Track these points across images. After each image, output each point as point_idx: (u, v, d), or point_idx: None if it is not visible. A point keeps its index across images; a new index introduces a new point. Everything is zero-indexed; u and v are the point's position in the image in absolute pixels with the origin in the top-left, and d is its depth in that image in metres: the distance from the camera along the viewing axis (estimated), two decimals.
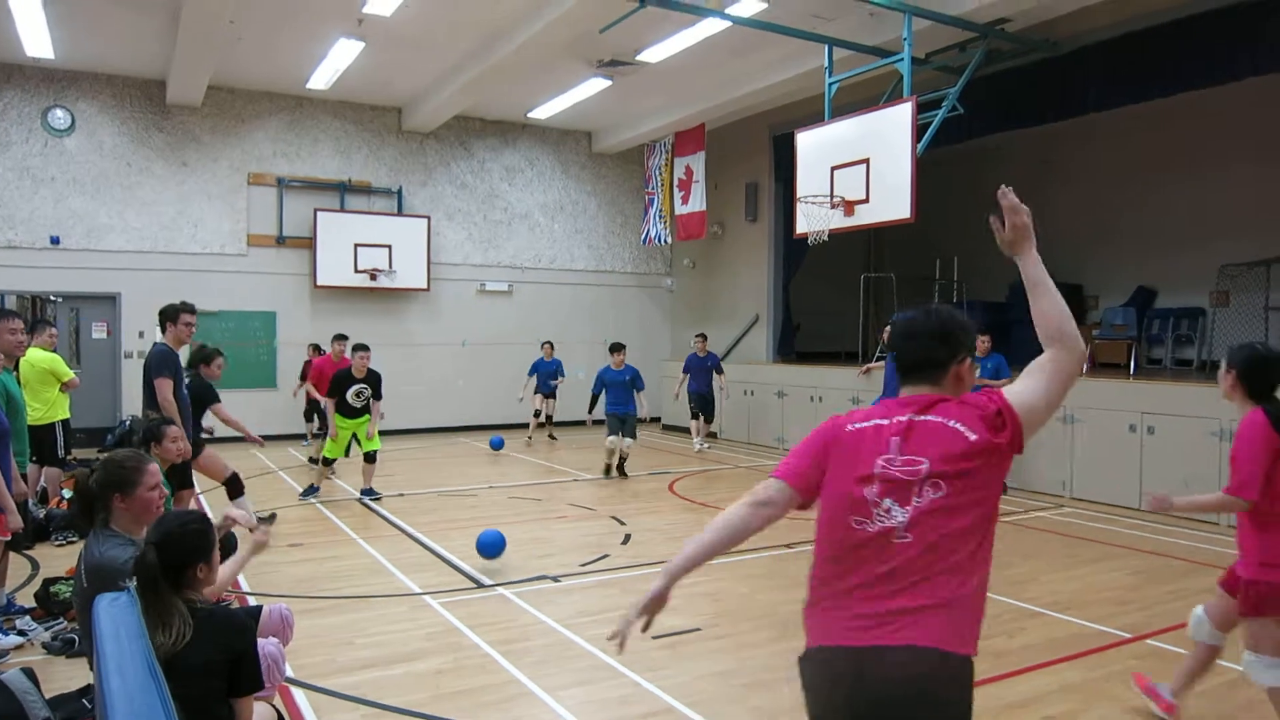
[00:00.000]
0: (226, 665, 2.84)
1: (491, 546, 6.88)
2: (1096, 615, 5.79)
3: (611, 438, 11.31)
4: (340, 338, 11.73)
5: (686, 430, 16.00)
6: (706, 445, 14.18)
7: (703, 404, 14.13)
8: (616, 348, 11.74)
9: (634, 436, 11.54)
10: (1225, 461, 8.73)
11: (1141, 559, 7.35)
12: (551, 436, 15.10)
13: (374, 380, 9.78)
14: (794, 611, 5.79)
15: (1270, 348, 3.92)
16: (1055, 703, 4.38)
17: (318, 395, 10.90)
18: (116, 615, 1.69)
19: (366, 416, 9.79)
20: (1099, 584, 6.57)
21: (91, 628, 2.38)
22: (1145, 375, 10.67)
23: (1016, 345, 12.66)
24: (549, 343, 15.20)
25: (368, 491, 9.71)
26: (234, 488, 7.51)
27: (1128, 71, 10.14)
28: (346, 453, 9.95)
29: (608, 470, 11.48)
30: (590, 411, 12.03)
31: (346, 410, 9.63)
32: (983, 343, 10.37)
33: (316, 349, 13.61)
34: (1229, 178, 12.47)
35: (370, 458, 9.76)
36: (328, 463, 10.11)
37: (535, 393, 14.93)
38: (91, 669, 3.55)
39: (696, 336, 14.48)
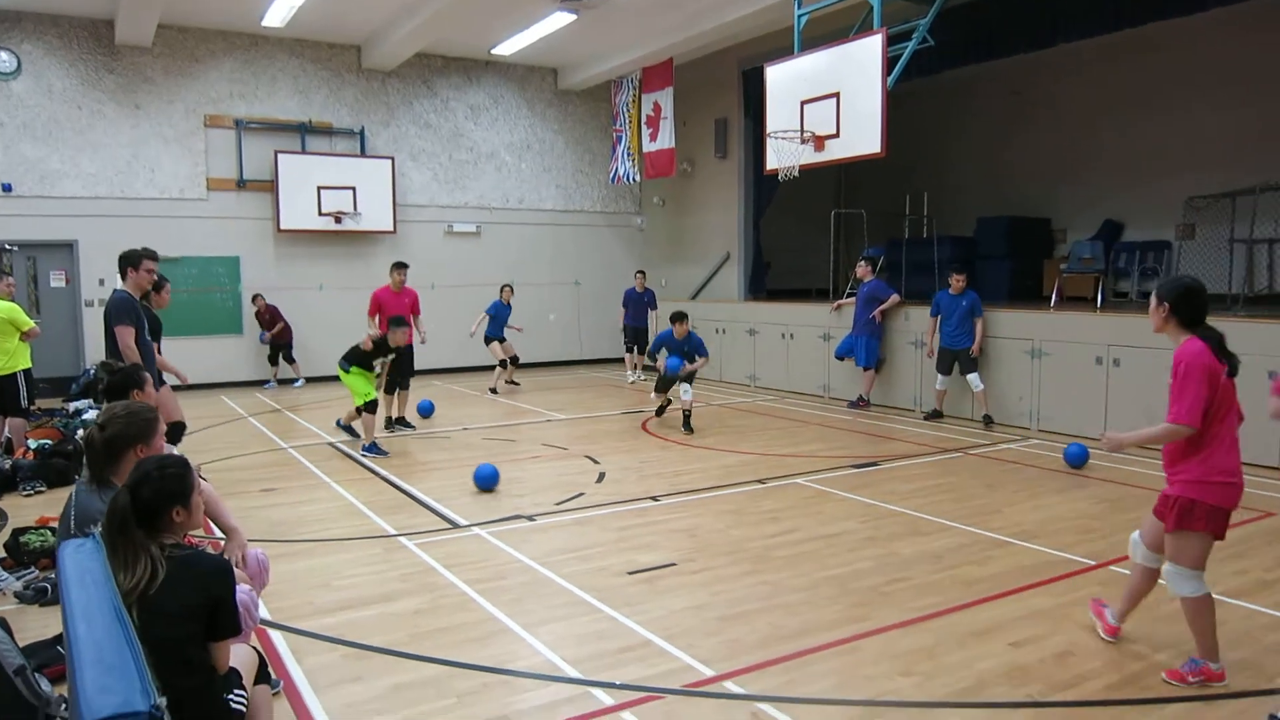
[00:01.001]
0: (204, 610, 2.82)
1: (489, 479, 7.40)
2: (1062, 543, 5.92)
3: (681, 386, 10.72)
4: (400, 266, 11.15)
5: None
6: (640, 377, 14.98)
7: (637, 337, 15.14)
8: (679, 317, 10.82)
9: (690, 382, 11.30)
10: None
11: (1105, 488, 7.51)
12: (513, 382, 14.50)
13: (404, 354, 10.11)
14: (766, 546, 5.88)
15: (1197, 279, 4.06)
16: (1022, 628, 4.49)
17: (373, 330, 10.20)
18: (82, 561, 1.67)
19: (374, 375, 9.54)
20: (1064, 513, 6.71)
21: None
22: (1112, 308, 10.78)
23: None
24: (508, 286, 14.34)
25: (347, 428, 9.83)
26: (173, 435, 7.36)
27: (1097, 2, 10.07)
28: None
29: (660, 411, 11.05)
30: (653, 359, 11.49)
31: (366, 364, 9.33)
32: (958, 280, 10.48)
33: (261, 298, 14.60)
34: (1196, 110, 12.49)
35: (369, 408, 9.29)
36: (370, 409, 9.31)
37: (489, 343, 13.97)
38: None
39: (637, 273, 15.41)
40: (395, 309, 10.42)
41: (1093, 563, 5.51)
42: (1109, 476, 7.90)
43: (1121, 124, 13.46)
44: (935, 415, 10.98)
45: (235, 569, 3.66)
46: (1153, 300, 4.06)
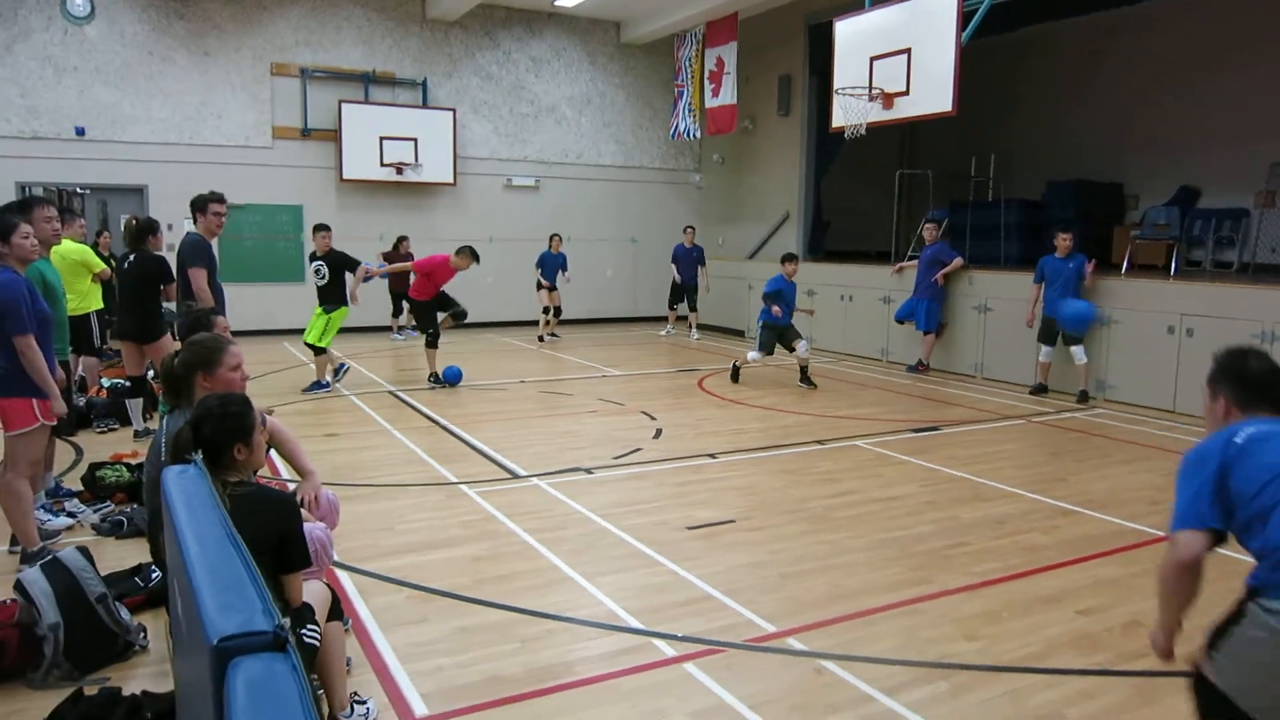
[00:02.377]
0: (271, 543, 2.89)
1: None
2: (1129, 514, 5.80)
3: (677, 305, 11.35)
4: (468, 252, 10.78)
5: (721, 329, 16.00)
6: (697, 335, 15.15)
7: (688, 294, 15.27)
8: (791, 257, 10.65)
9: (694, 308, 12.84)
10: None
11: (1174, 460, 7.29)
12: (553, 334, 14.90)
13: (334, 259, 9.91)
14: (825, 506, 5.86)
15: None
16: (1088, 597, 4.42)
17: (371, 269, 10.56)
18: (186, 486, 1.70)
19: (342, 309, 9.94)
20: (1131, 484, 6.57)
21: (161, 501, 2.42)
22: (1185, 277, 10.45)
23: (1051, 247, 12.42)
24: (556, 235, 15.06)
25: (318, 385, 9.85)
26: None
27: None
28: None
29: (735, 375, 10.71)
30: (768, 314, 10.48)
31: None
32: (1064, 240, 9.88)
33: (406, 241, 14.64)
34: (1277, 73, 11.95)
35: (316, 351, 9.83)
36: (318, 352, 9.87)
37: (539, 289, 14.76)
38: (154, 548, 3.65)
39: (686, 228, 15.42)
40: (442, 276, 10.32)
41: (1162, 534, 5.39)
42: (1176, 448, 7.71)
43: (1198, 84, 12.93)
44: (1041, 390, 10.17)
45: (310, 509, 3.75)
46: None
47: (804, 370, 10.45)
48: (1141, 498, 6.20)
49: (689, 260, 15.09)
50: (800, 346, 10.25)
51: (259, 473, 3.34)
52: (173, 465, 2.84)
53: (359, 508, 5.67)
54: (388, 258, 14.06)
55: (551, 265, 14.78)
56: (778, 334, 10.36)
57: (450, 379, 10.16)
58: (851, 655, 3.76)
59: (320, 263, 9.99)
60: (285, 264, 14.91)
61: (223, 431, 2.97)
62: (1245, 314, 8.50)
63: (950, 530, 5.42)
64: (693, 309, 15.25)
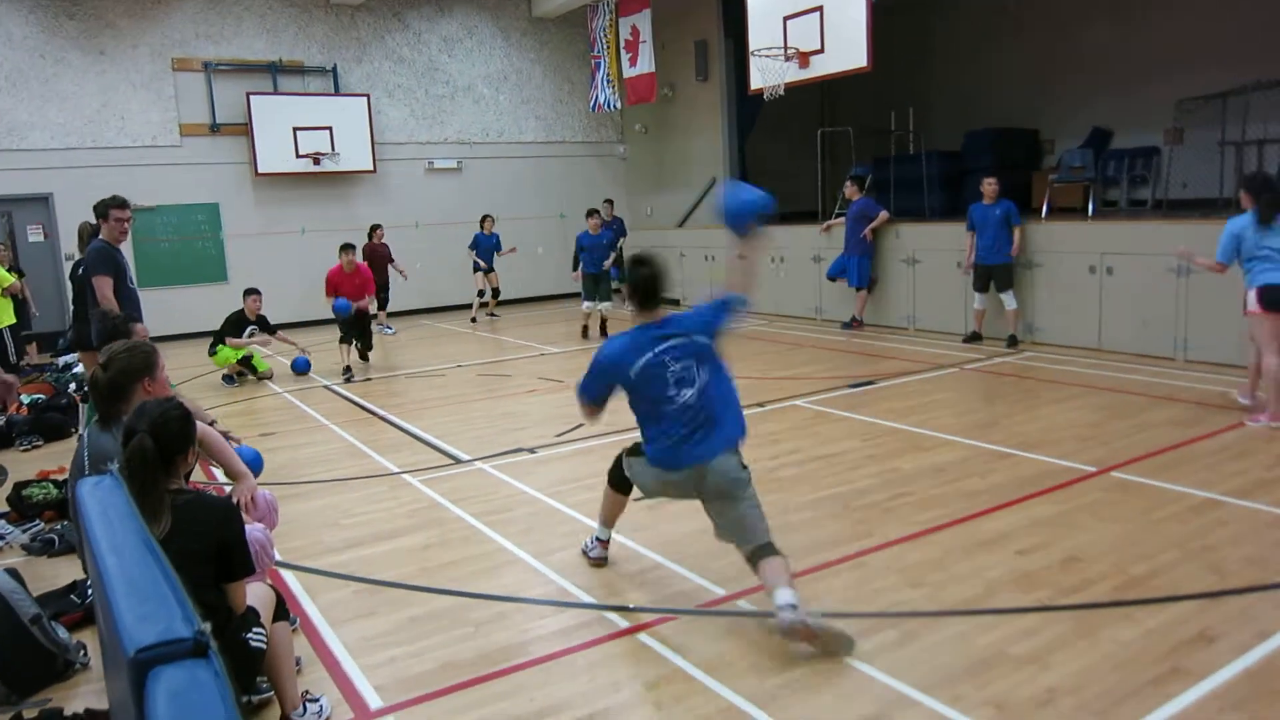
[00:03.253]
0: (215, 552, 2.83)
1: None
2: (1061, 452, 5.97)
3: (588, 303, 12.20)
4: (347, 247, 10.90)
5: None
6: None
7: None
8: (592, 212, 12.28)
9: (609, 300, 12.27)
10: (1183, 299, 8.82)
11: (1102, 396, 7.55)
12: (492, 314, 14.97)
13: (264, 321, 10.46)
14: (768, 467, 5.90)
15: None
16: (1025, 537, 4.54)
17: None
18: (102, 497, 1.64)
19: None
20: (1062, 422, 6.75)
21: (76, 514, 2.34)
22: (1103, 216, 10.73)
23: (972, 195, 12.62)
24: (488, 216, 14.95)
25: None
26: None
27: None
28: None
29: (585, 331, 12.33)
30: (575, 270, 12.49)
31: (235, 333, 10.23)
32: (990, 186, 9.96)
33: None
34: (1183, 9, 12.28)
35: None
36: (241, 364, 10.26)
37: (475, 271, 14.71)
38: (82, 560, 3.54)
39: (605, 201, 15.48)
40: (347, 289, 10.46)
41: (1094, 469, 5.56)
42: (1103, 385, 7.95)
43: (1106, 27, 13.22)
44: (975, 338, 10.34)
45: (247, 511, 3.67)
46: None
47: (602, 323, 12.14)
48: (1072, 435, 6.37)
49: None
50: (602, 306, 12.02)
51: (191, 478, 3.25)
52: (133, 478, 2.74)
53: (301, 505, 5.57)
54: (367, 249, 13.42)
55: (486, 247, 14.69)
56: (592, 282, 11.97)
57: (299, 368, 10.34)
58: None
59: (254, 326, 10.27)
60: (205, 265, 14.52)
61: (175, 438, 2.89)
62: (1161, 249, 8.75)
63: (891, 482, 5.52)
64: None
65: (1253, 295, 6.42)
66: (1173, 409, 7.00)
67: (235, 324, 10.18)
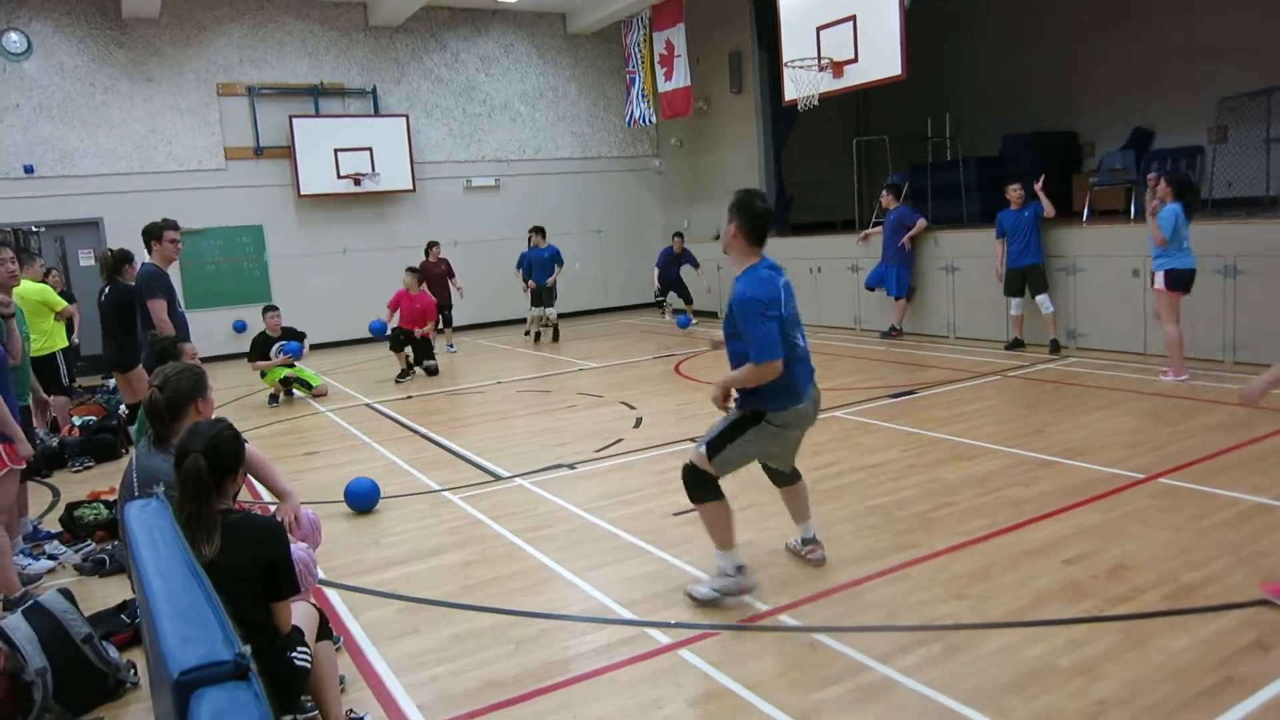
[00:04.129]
0: (262, 572, 2.87)
1: (364, 496, 5.90)
2: (1108, 459, 5.86)
3: (535, 310, 13.92)
4: (411, 270, 11.72)
5: (696, 311, 16.01)
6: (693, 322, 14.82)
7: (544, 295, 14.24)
8: (538, 230, 13.94)
9: (553, 305, 13.91)
10: (1230, 301, 8.65)
11: (1148, 401, 7.41)
12: (555, 339, 14.31)
13: (290, 334, 10.52)
14: (810, 479, 5.86)
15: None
16: (1073, 546, 4.46)
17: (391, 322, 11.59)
18: (148, 520, 1.68)
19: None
20: (1108, 429, 6.64)
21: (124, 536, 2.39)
22: (1145, 219, 10.53)
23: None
24: (538, 229, 14.27)
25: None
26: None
27: None
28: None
29: (537, 338, 13.96)
30: (526, 280, 13.86)
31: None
32: (1015, 193, 9.98)
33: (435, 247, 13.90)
34: (1223, 6, 12.05)
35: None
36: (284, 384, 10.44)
37: (527, 287, 14.25)
38: (130, 580, 3.62)
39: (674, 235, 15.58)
40: (406, 312, 11.41)
41: (1141, 475, 5.45)
42: (1149, 389, 7.80)
43: (1142, 25, 13.00)
44: (1017, 345, 10.24)
45: (291, 530, 3.73)
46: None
47: (554, 330, 13.91)
48: (1118, 442, 6.26)
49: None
50: (539, 311, 13.78)
51: (238, 497, 3.31)
52: (187, 497, 2.81)
53: (344, 524, 5.64)
54: (423, 267, 12.81)
55: (540, 261, 14.09)
56: (538, 293, 13.68)
57: (290, 351, 10.31)
58: (844, 626, 3.78)
59: (279, 344, 10.36)
60: (250, 285, 14.77)
61: (228, 458, 2.95)
62: (1207, 249, 8.57)
63: (934, 492, 5.46)
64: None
65: (1161, 276, 7.87)
66: (1220, 413, 6.85)
67: (259, 345, 10.32)
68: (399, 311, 11.47)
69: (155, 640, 1.16)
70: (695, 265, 15.00)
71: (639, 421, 7.96)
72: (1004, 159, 14.00)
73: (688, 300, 15.13)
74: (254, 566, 2.86)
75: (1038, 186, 9.81)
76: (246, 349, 10.72)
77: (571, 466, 6.62)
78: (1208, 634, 3.50)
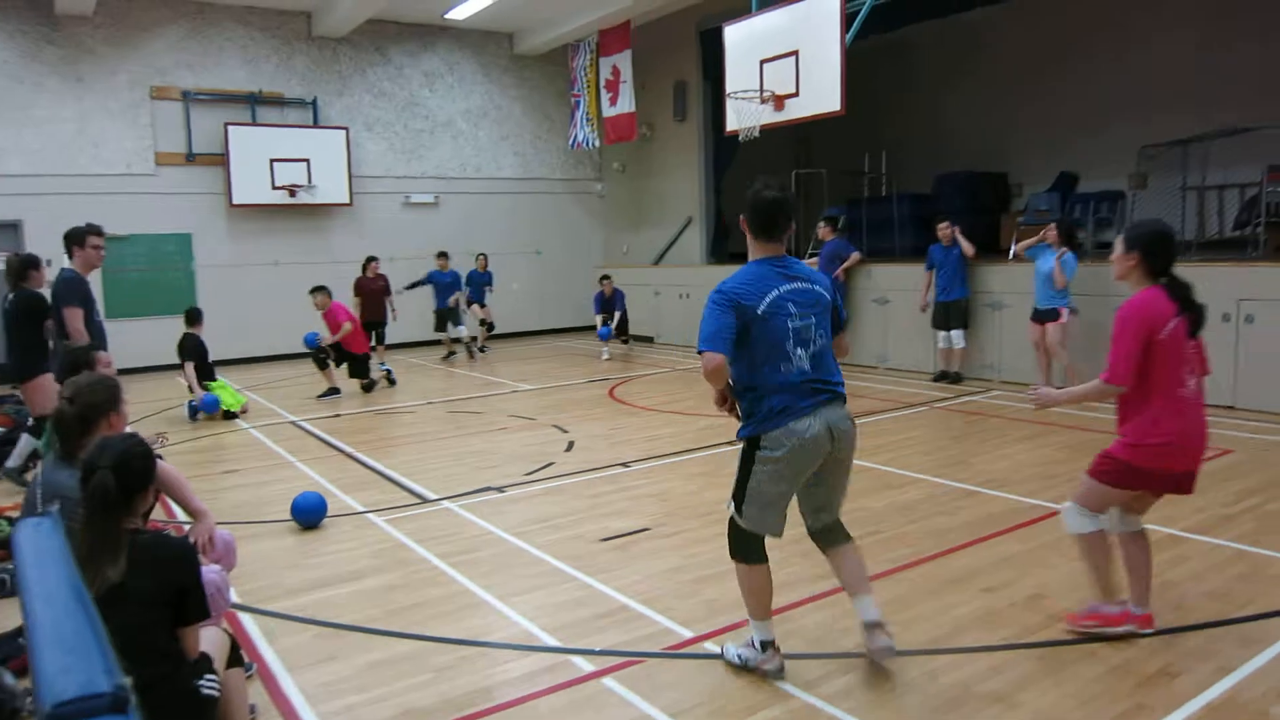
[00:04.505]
0: (170, 595, 2.76)
1: (310, 512, 5.84)
2: (1028, 490, 6.00)
3: (439, 332, 14.34)
4: (317, 289, 11.31)
5: (631, 336, 16.04)
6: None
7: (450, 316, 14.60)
8: (442, 254, 14.34)
9: (462, 323, 14.27)
10: None
11: (1068, 435, 7.61)
12: (482, 349, 14.96)
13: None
14: None
15: (1166, 225, 3.82)
16: (993, 575, 4.54)
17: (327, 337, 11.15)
18: (39, 541, 1.60)
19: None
20: (1029, 461, 6.80)
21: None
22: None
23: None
24: (483, 254, 15.15)
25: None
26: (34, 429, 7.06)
27: None
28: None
29: (454, 354, 14.41)
30: (410, 287, 14.02)
31: (209, 374, 10.12)
32: (945, 230, 10.39)
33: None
34: (1147, 58, 12.58)
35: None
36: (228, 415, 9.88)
37: (470, 304, 14.84)
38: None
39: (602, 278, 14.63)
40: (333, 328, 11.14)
41: (1058, 507, 5.57)
42: (1068, 423, 8.01)
43: (1074, 74, 13.52)
44: (944, 376, 10.57)
45: (204, 551, 3.60)
46: (1118, 246, 3.77)
47: (467, 348, 14.44)
48: (1038, 473, 6.41)
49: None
50: (453, 330, 14.17)
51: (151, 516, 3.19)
52: (91, 515, 2.69)
53: (262, 545, 5.48)
54: (360, 283, 12.85)
55: (479, 283, 14.88)
56: (441, 315, 14.24)
57: (206, 407, 9.74)
58: None
59: (315, 334, 10.67)
60: (175, 295, 14.34)
61: (138, 475, 2.83)
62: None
63: (861, 520, 5.50)
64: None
65: (1067, 313, 9.05)
66: None
67: (192, 350, 10.05)
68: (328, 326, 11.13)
69: (34, 671, 1.10)
70: (623, 309, 14.28)
71: (571, 445, 7.91)
72: (937, 196, 14.34)
73: (624, 330, 14.50)
74: (162, 590, 2.75)
75: (957, 231, 10.26)
76: (170, 363, 10.35)
77: (500, 490, 6.55)
78: (1118, 662, 3.59)
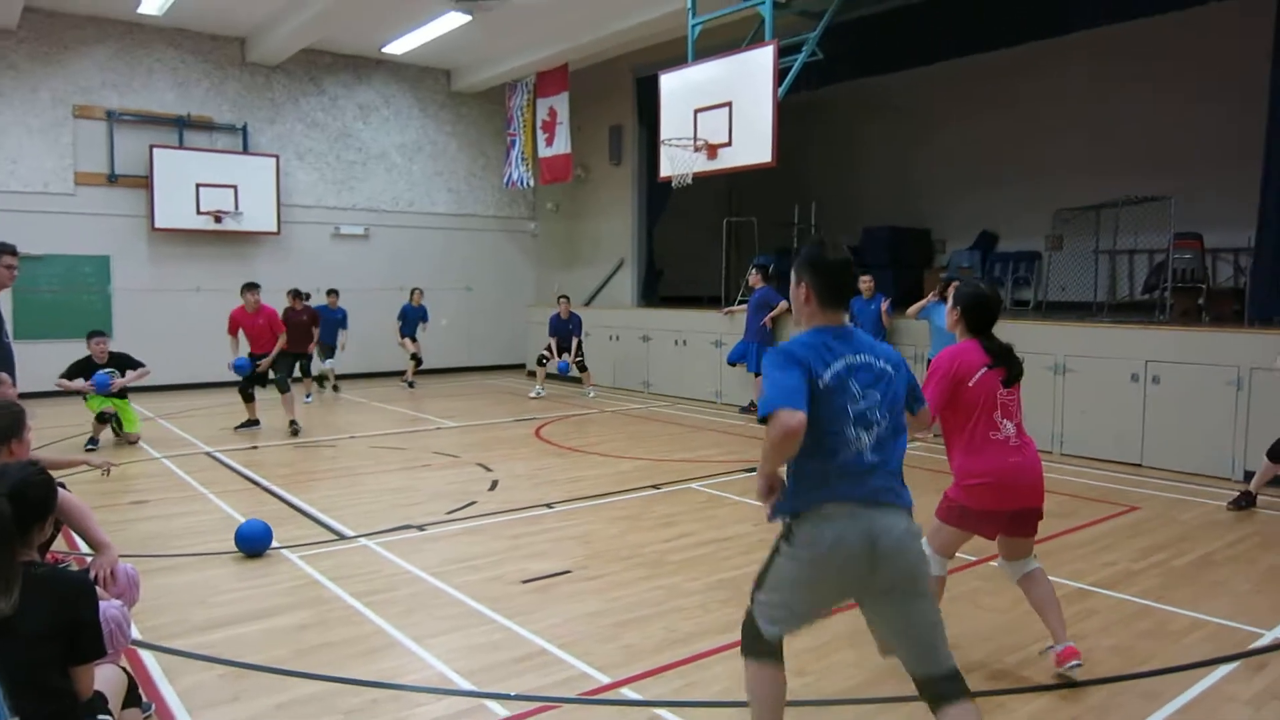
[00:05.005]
0: (65, 631, 2.65)
1: (253, 539, 5.78)
2: None
3: (327, 363, 14.16)
4: (251, 286, 10.66)
5: (555, 377, 15.98)
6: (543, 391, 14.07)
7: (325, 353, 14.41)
8: (331, 291, 14.24)
9: (335, 359, 14.24)
10: (1059, 395, 9.34)
11: None
12: (409, 383, 14.84)
13: (119, 362, 9.80)
14: (661, 551, 5.88)
15: (990, 290, 4.27)
16: None
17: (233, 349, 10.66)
18: None
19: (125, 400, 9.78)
20: None
21: None
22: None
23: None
24: (418, 289, 15.18)
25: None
26: None
27: (976, 22, 10.50)
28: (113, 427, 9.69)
29: (321, 384, 14.21)
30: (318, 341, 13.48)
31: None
32: (865, 283, 10.70)
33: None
34: (1063, 127, 13.19)
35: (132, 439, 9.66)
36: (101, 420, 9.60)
37: (401, 338, 14.88)
38: None
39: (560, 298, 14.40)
40: (251, 332, 10.51)
41: (973, 558, 5.70)
42: None
43: (998, 139, 14.09)
44: None
45: (105, 586, 3.46)
46: (949, 301, 4.35)
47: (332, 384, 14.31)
48: None
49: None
50: (318, 365, 13.96)
51: (52, 548, 3.06)
52: None
53: (169, 580, 5.28)
54: (286, 315, 12.05)
55: (413, 318, 14.86)
56: (327, 348, 14.01)
57: (98, 384, 9.47)
58: (685, 700, 3.77)
59: (108, 371, 9.58)
60: (89, 319, 13.83)
61: (36, 504, 2.71)
62: (1040, 348, 9.19)
63: None
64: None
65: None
66: (1049, 501, 7.23)
67: (77, 371, 9.57)
68: (245, 338, 10.53)
69: None
70: (579, 335, 13.98)
71: (494, 484, 7.83)
72: (864, 250, 14.72)
73: (582, 366, 13.94)
74: (56, 625, 2.63)
75: (885, 305, 10.70)
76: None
77: (420, 528, 6.43)
78: (1027, 713, 3.67)
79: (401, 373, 15.16)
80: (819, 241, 2.99)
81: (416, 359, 14.98)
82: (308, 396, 13.24)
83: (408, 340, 14.83)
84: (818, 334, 2.89)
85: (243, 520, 6.07)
